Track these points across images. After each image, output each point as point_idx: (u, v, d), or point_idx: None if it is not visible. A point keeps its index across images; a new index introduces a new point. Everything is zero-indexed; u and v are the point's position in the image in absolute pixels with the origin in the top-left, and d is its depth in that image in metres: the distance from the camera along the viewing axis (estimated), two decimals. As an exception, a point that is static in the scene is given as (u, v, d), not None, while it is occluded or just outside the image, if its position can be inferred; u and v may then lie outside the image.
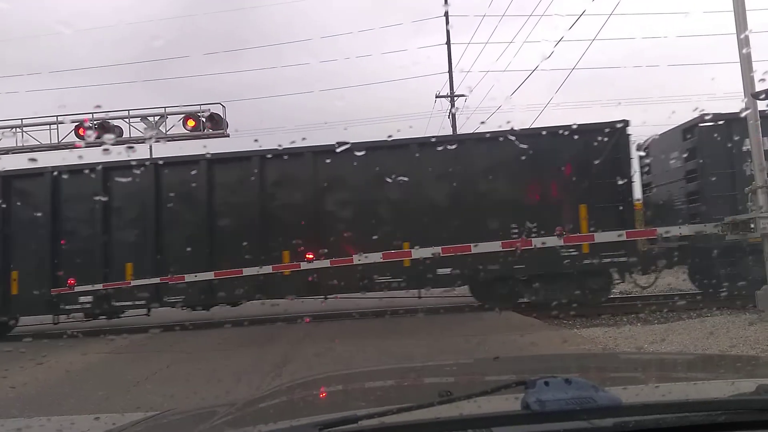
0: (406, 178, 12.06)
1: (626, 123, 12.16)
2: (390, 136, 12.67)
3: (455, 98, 26.57)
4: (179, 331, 12.32)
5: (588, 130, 12.03)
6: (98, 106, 19.77)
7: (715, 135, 12.43)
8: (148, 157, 16.24)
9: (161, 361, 8.82)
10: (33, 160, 16.94)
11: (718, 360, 2.80)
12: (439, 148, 12.52)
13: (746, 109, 9.89)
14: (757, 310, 10.00)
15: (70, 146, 18.48)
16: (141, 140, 18.95)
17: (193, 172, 12.51)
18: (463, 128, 26.50)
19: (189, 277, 12.47)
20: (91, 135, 18.14)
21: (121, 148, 18.23)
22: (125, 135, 19.08)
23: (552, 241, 11.74)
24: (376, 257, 12.00)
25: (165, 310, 13.52)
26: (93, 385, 7.39)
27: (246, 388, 6.28)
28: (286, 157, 12.60)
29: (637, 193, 13.61)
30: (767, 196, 9.91)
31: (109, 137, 17.49)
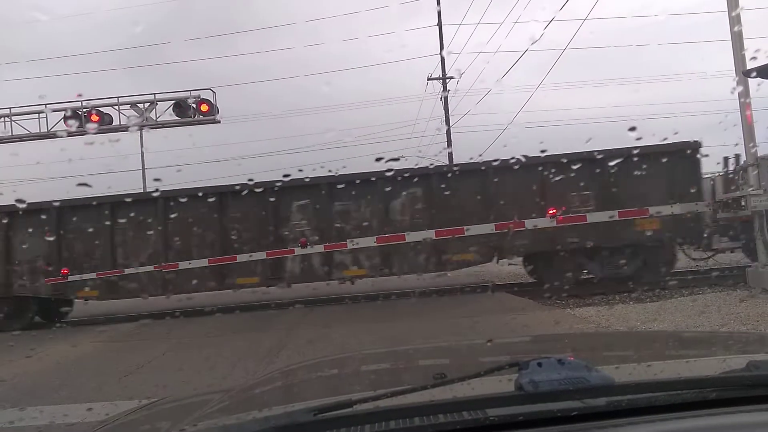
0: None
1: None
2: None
3: (447, 80, 26.40)
4: (170, 320, 12.32)
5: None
6: (80, 95, 19.52)
7: None
8: (139, 145, 16.30)
9: (154, 350, 8.81)
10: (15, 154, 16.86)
11: (709, 338, 2.83)
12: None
13: (737, 87, 9.91)
14: (747, 287, 10.11)
15: (60, 135, 18.32)
16: (126, 127, 18.79)
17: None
18: (456, 110, 26.41)
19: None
20: (75, 124, 17.95)
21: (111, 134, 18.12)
22: (115, 122, 18.95)
23: None
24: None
25: (154, 300, 13.58)
26: (85, 376, 7.38)
27: (242, 374, 6.29)
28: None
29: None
30: (758, 174, 9.97)
31: (91, 126, 17.32)
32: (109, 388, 6.36)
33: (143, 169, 28.55)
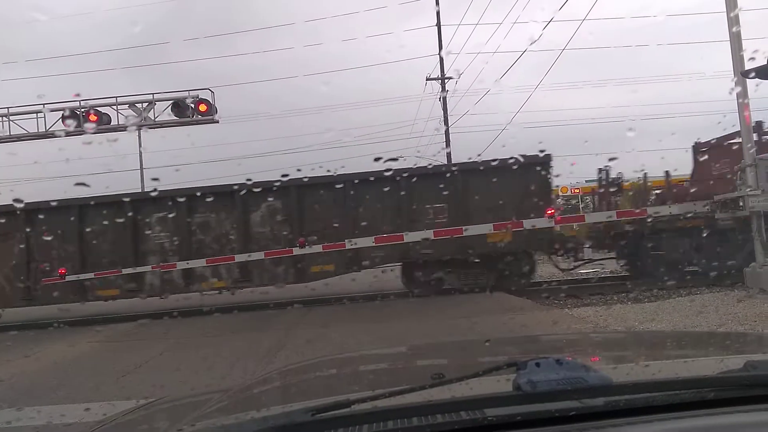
0: None
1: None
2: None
3: (446, 81, 26.39)
4: (168, 319, 12.30)
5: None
6: (77, 95, 19.52)
7: None
8: (137, 145, 16.50)
9: (152, 350, 8.79)
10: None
11: (707, 338, 2.83)
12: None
13: (736, 87, 9.93)
14: (745, 288, 10.12)
15: (58, 135, 18.31)
16: (124, 127, 18.77)
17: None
18: (454, 110, 26.41)
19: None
20: (73, 124, 17.93)
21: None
22: (113, 122, 18.93)
23: None
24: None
25: (152, 300, 13.62)
26: (82, 376, 7.36)
27: (240, 374, 6.28)
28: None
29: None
30: (755, 175, 9.98)
31: (89, 126, 17.30)
32: (107, 388, 6.35)
33: (141, 168, 28.51)
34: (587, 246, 13.51)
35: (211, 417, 1.51)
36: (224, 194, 13.10)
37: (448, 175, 12.97)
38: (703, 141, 13.94)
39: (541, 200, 12.65)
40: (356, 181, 12.87)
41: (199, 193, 13.04)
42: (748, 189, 10.06)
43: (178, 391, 4.80)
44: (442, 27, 25.87)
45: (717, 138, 13.41)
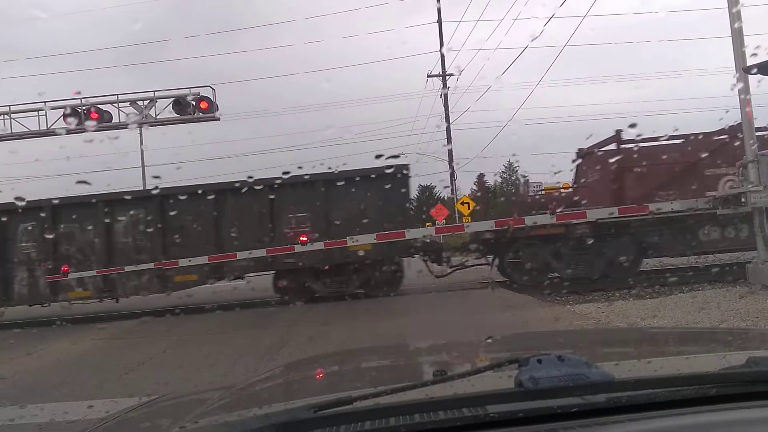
0: None
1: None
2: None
3: (447, 77, 26.36)
4: (170, 317, 12.32)
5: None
6: (78, 92, 19.50)
7: None
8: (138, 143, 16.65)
9: (154, 348, 8.81)
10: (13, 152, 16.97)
11: (709, 334, 2.83)
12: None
13: (737, 84, 9.90)
14: (747, 283, 10.11)
15: (59, 133, 18.31)
16: (125, 125, 18.78)
17: None
18: (456, 107, 26.37)
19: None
20: (75, 121, 17.93)
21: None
22: (114, 120, 18.94)
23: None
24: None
25: (154, 297, 13.65)
26: (85, 374, 7.39)
27: (242, 371, 6.29)
28: None
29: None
30: (758, 171, 9.96)
31: (90, 124, 17.30)
32: (110, 385, 6.37)
33: (143, 166, 28.55)
34: (460, 253, 13.87)
35: (213, 414, 1.51)
36: (86, 204, 13.16)
37: (311, 185, 13.10)
38: (584, 147, 14.36)
39: (401, 209, 13.16)
40: (221, 191, 13.07)
41: (57, 201, 13.10)
42: (750, 185, 10.04)
43: (180, 389, 4.82)
44: (443, 24, 25.92)
45: (589, 146, 13.83)
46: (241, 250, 12.92)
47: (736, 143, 11.75)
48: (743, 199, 10.35)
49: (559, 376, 1.12)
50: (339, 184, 12.87)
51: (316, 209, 13.15)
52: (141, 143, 26.02)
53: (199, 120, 19.26)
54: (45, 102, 18.74)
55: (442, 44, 26.06)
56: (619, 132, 13.26)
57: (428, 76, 26.96)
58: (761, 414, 1.10)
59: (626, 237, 12.73)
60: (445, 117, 25.99)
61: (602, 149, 13.80)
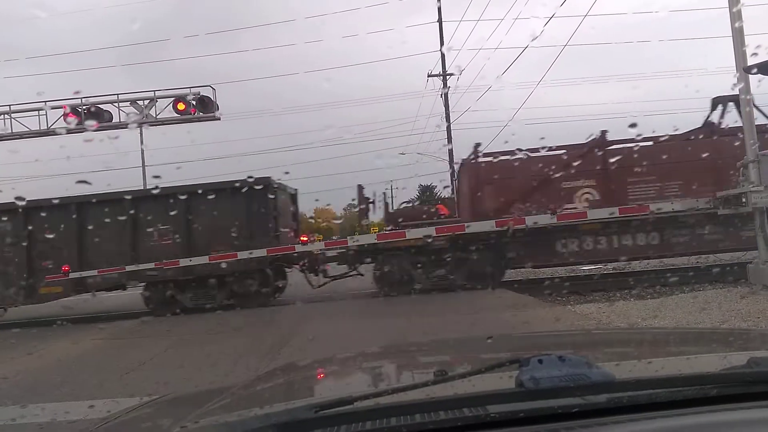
0: None
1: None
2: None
3: (447, 77, 26.33)
4: (171, 316, 12.33)
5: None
6: (77, 92, 19.49)
7: None
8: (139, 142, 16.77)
9: (155, 347, 8.82)
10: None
11: (710, 334, 2.82)
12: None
13: (738, 83, 9.89)
14: (748, 284, 10.10)
15: (59, 132, 18.30)
16: (125, 125, 18.77)
17: None
18: (456, 107, 26.36)
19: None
20: (75, 121, 17.93)
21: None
22: (115, 119, 18.92)
23: None
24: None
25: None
26: (86, 373, 7.39)
27: (243, 371, 6.29)
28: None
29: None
30: (758, 171, 9.95)
31: (90, 123, 17.30)
32: (111, 385, 6.37)
33: (143, 166, 28.60)
34: (339, 263, 14.04)
35: (214, 414, 1.51)
36: None
37: (171, 200, 13.01)
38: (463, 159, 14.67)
39: (265, 222, 13.30)
40: (83, 204, 12.99)
41: None
42: (751, 185, 10.03)
43: (181, 389, 4.82)
44: (443, 23, 25.87)
45: (463, 159, 14.04)
46: (104, 264, 13.00)
47: (592, 157, 12.76)
48: (744, 200, 10.34)
49: (560, 376, 1.12)
50: (201, 196, 12.91)
51: (178, 221, 13.17)
52: (141, 143, 26.05)
53: (199, 119, 19.23)
54: (45, 101, 18.73)
55: (442, 44, 26.05)
56: (477, 145, 13.75)
57: (428, 76, 26.96)
58: (762, 414, 1.09)
59: (488, 249, 13.06)
60: (446, 117, 25.99)
61: (467, 161, 14.10)
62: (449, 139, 25.60)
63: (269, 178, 13.54)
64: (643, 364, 1.63)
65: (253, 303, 13.02)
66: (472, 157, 13.80)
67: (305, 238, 13.61)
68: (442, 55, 25.96)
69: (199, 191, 12.93)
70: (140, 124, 20.13)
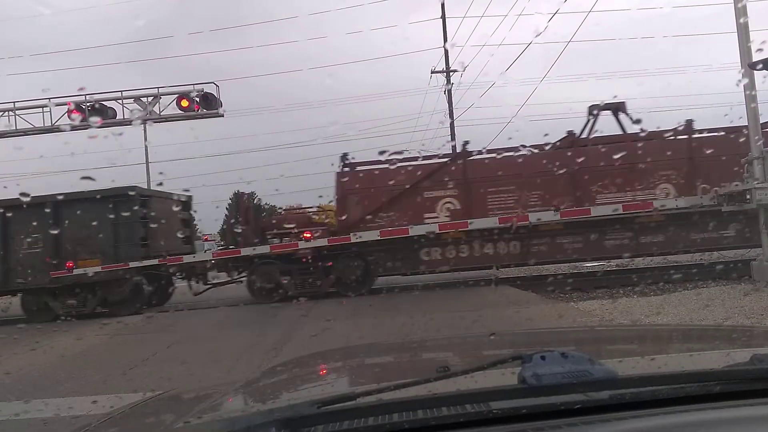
0: None
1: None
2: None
3: (451, 73, 26.25)
4: (174, 313, 12.36)
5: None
6: (82, 89, 19.49)
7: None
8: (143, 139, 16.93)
9: (159, 343, 8.84)
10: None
11: (713, 331, 2.82)
12: None
13: (743, 79, 9.85)
14: (752, 281, 10.08)
15: (63, 129, 18.33)
16: (129, 121, 18.79)
17: None
18: (460, 103, 26.32)
19: None
20: (79, 118, 17.95)
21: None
22: (118, 116, 18.94)
23: None
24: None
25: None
26: (89, 369, 7.40)
27: (246, 367, 6.31)
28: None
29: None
30: (763, 167, 9.92)
31: (94, 120, 17.33)
32: (114, 380, 6.38)
33: (147, 162, 28.65)
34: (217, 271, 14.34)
35: (217, 409, 1.52)
36: None
37: (40, 209, 12.85)
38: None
39: (131, 231, 13.36)
40: None
41: None
42: (756, 182, 9.99)
43: (185, 384, 4.83)
44: (447, 19, 25.76)
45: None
46: None
47: (453, 167, 13.33)
48: (748, 196, 10.31)
49: (562, 372, 1.12)
50: (69, 206, 12.87)
51: (45, 231, 13.11)
52: (145, 139, 26.09)
53: (203, 116, 19.23)
54: (49, 98, 18.74)
55: (445, 40, 25.94)
56: (344, 155, 13.97)
57: (432, 72, 26.86)
58: (765, 411, 1.09)
59: (354, 258, 13.43)
60: (449, 113, 25.94)
61: (340, 169, 14.15)
62: (452, 136, 25.56)
63: (135, 186, 13.70)
64: (646, 361, 1.63)
65: (125, 311, 13.10)
66: (340, 166, 14.02)
67: (308, 235, 13.59)
68: (446, 52, 25.88)
69: (67, 200, 12.80)
70: (144, 121, 20.14)
